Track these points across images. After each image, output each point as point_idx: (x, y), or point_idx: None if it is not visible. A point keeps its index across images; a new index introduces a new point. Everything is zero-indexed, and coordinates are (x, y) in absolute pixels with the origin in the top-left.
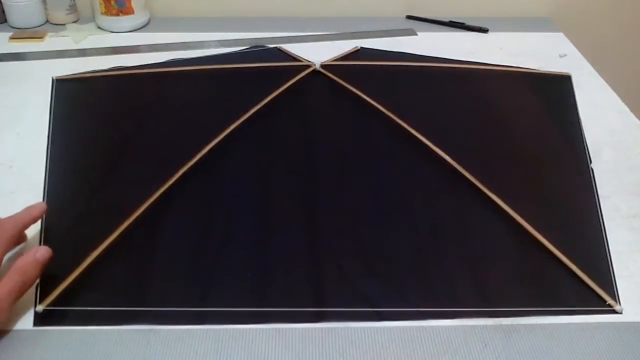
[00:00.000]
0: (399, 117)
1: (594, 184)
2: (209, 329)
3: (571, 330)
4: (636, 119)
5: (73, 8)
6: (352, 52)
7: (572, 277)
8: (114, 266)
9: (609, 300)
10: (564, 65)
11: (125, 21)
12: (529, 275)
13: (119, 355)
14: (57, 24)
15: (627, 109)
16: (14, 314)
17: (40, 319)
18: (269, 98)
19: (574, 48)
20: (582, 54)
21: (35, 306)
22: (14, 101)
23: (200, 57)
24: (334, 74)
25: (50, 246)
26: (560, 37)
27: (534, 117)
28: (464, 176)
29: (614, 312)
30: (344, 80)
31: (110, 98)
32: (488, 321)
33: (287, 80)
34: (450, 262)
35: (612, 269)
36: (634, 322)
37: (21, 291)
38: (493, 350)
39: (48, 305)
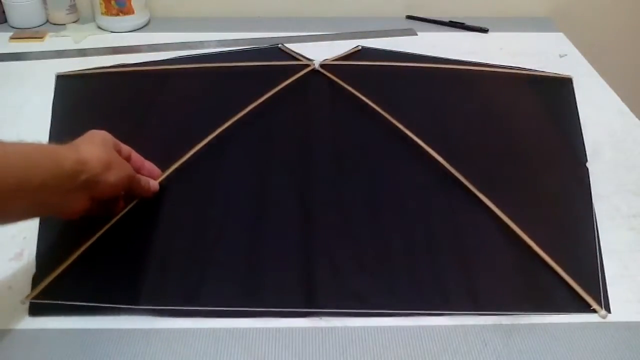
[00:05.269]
0: (396, 118)
1: (589, 184)
2: (208, 328)
3: (572, 330)
4: (636, 119)
5: (73, 8)
6: (352, 52)
7: (560, 281)
8: (107, 260)
9: (594, 305)
10: (564, 66)
11: (125, 21)
12: (519, 276)
13: (119, 355)
14: (57, 24)
15: (627, 109)
16: (13, 313)
17: (35, 310)
18: (266, 96)
19: (574, 48)
20: (582, 54)
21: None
22: (14, 101)
23: (201, 55)
24: (332, 74)
25: (46, 241)
26: (560, 37)
27: (533, 119)
28: (457, 177)
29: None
30: (342, 80)
31: (111, 95)
32: (488, 321)
33: (286, 79)
34: (441, 260)
35: (603, 271)
36: (634, 322)
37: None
38: (493, 349)
39: (34, 298)
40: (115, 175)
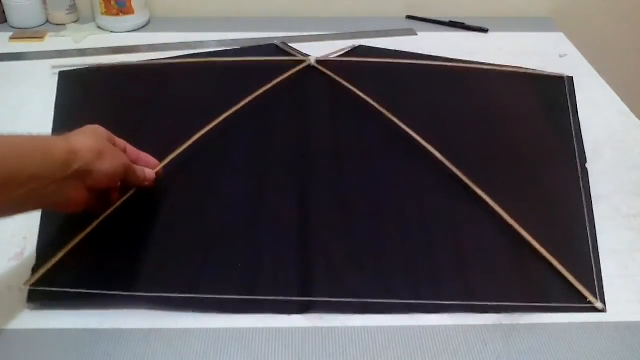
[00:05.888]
0: (394, 115)
1: (587, 184)
2: (209, 328)
3: (571, 330)
4: (636, 119)
5: (73, 8)
6: (350, 50)
7: (557, 275)
8: (106, 249)
9: (590, 298)
10: (564, 66)
11: (125, 21)
12: (516, 271)
13: (119, 355)
14: (57, 24)
15: (627, 109)
16: (11, 313)
17: (34, 298)
18: (261, 90)
19: (574, 48)
20: (582, 54)
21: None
22: (14, 101)
23: (198, 53)
24: (328, 70)
25: (46, 240)
26: (560, 37)
27: (532, 118)
28: (455, 174)
29: (595, 309)
30: (338, 76)
31: (113, 91)
32: (488, 321)
33: (282, 75)
34: (438, 258)
35: (599, 266)
36: (634, 322)
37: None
38: (493, 349)
39: (32, 285)
40: (109, 164)
